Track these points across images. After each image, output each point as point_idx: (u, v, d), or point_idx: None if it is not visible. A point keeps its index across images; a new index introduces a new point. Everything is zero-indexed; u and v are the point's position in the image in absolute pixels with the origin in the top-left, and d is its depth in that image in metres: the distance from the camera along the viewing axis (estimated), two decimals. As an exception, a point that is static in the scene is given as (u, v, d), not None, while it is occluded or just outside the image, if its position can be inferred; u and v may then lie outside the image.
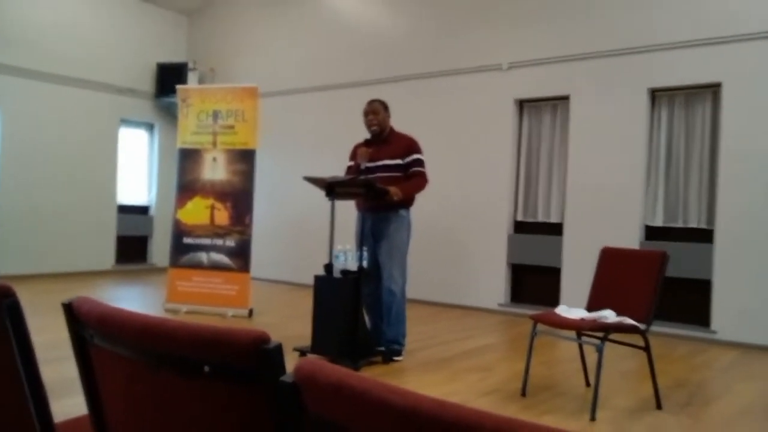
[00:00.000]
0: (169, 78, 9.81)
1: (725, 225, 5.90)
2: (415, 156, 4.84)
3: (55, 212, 9.07)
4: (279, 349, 0.82)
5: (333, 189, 4.62)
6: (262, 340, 0.82)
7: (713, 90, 6.13)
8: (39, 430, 1.24)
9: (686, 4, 6.14)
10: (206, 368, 0.87)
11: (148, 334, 0.95)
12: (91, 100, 9.51)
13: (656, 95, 6.46)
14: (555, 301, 6.37)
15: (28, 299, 1.56)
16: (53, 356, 2.54)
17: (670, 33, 6.19)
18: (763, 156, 5.71)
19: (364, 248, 4.80)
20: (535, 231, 7.20)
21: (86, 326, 1.12)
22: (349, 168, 5.01)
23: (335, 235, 4.77)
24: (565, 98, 6.95)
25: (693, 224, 6.24)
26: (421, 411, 0.61)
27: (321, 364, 0.73)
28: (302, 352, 4.61)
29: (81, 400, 1.25)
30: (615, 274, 4.02)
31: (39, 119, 8.93)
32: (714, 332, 5.88)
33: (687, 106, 6.32)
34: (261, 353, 0.82)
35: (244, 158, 6.65)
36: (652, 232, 6.43)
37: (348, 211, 5.11)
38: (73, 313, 1.15)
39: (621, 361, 4.89)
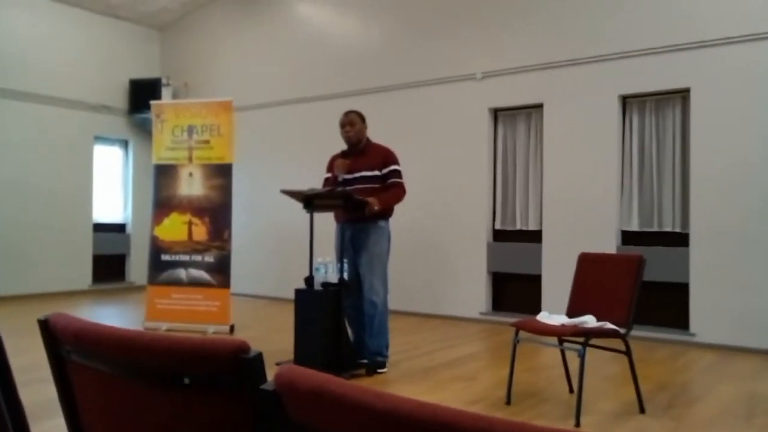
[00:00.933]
0: (143, 94, 9.75)
1: (699, 228, 5.98)
2: (393, 167, 4.85)
3: (29, 232, 8.94)
4: (259, 357, 0.82)
5: (311, 201, 4.61)
6: (241, 349, 0.81)
7: (682, 95, 6.24)
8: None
9: (654, 11, 6.25)
10: (186, 380, 0.87)
11: (126, 348, 0.94)
12: (64, 117, 9.41)
13: (627, 102, 6.55)
14: (536, 309, 6.38)
15: (3, 321, 1.54)
16: (32, 378, 2.49)
17: (639, 40, 6.30)
18: (733, 158, 5.81)
19: (345, 260, 4.79)
20: (514, 239, 7.24)
21: (63, 342, 1.10)
22: (327, 180, 5.01)
23: (315, 248, 4.75)
24: (538, 106, 7.02)
25: (668, 228, 6.31)
26: (400, 412, 0.61)
27: (301, 371, 0.73)
28: (284, 367, 4.57)
29: (62, 422, 1.23)
30: (593, 280, 4.05)
31: (10, 138, 8.82)
32: (693, 335, 5.94)
33: (657, 111, 6.42)
34: (241, 362, 0.81)
35: (221, 173, 6.62)
36: (628, 237, 6.50)
37: (327, 223, 5.10)
38: (49, 330, 1.13)
39: (603, 366, 4.92)
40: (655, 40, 6.22)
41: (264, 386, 0.77)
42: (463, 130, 7.48)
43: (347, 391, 0.66)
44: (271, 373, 0.78)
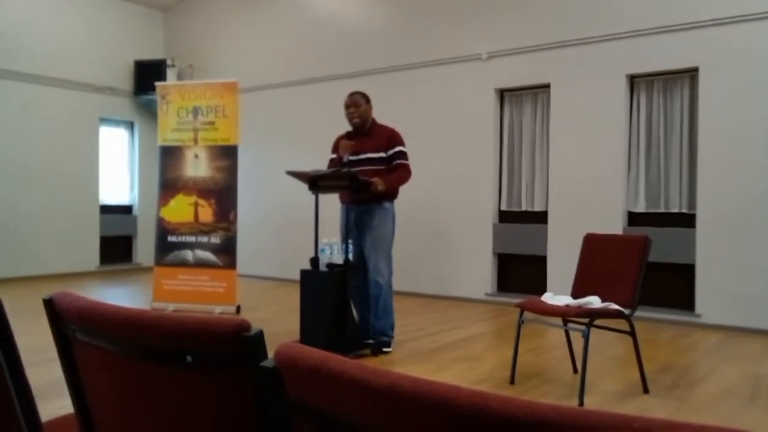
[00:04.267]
0: (148, 75, 9.73)
1: (706, 209, 5.96)
2: (398, 148, 4.83)
3: (37, 214, 8.98)
4: (260, 335, 0.82)
5: (316, 182, 4.61)
6: (242, 327, 0.82)
7: (690, 75, 6.18)
8: (26, 431, 1.23)
9: (663, -10, 6.18)
10: (188, 358, 0.87)
11: (130, 327, 0.95)
12: (70, 99, 9.41)
13: (635, 81, 6.50)
14: (542, 290, 6.35)
15: (11, 302, 1.55)
16: (40, 359, 2.51)
17: (648, 19, 6.23)
18: (741, 139, 5.77)
19: (350, 241, 4.80)
20: (520, 220, 7.23)
21: (67, 321, 1.11)
22: (332, 160, 5.00)
23: (320, 229, 4.76)
24: (545, 87, 6.97)
25: (675, 209, 6.29)
26: (398, 389, 0.61)
27: (300, 348, 0.73)
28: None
29: (69, 402, 1.25)
30: (599, 260, 4.05)
31: (16, 120, 8.83)
32: (698, 316, 5.95)
33: (665, 91, 6.37)
34: (242, 340, 0.82)
35: (226, 154, 6.62)
36: (634, 218, 6.48)
37: (332, 204, 5.11)
38: (54, 309, 1.14)
39: (607, 347, 4.93)
40: (664, 18, 6.15)
41: (264, 363, 0.78)
42: (468, 110, 7.44)
43: (346, 368, 0.66)
44: (275, 354, 0.78)
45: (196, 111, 6.69)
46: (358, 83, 6.87)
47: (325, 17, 8.80)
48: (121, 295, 7.88)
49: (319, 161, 5.30)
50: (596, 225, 5.62)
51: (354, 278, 4.79)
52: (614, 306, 3.65)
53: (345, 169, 4.64)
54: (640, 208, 6.45)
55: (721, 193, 5.86)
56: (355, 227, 4.85)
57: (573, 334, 4.09)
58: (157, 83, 7.23)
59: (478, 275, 7.33)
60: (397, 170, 4.80)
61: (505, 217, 7.35)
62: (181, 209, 6.63)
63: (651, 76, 6.39)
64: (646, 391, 3.77)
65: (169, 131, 6.78)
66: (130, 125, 10.46)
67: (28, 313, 3.18)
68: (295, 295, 4.91)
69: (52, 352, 1.21)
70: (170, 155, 6.74)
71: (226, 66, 9.76)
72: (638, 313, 3.94)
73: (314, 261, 4.72)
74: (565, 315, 3.79)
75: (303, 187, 4.76)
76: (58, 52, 9.30)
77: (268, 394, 0.78)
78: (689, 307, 6.05)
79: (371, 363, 4.36)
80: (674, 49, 6.11)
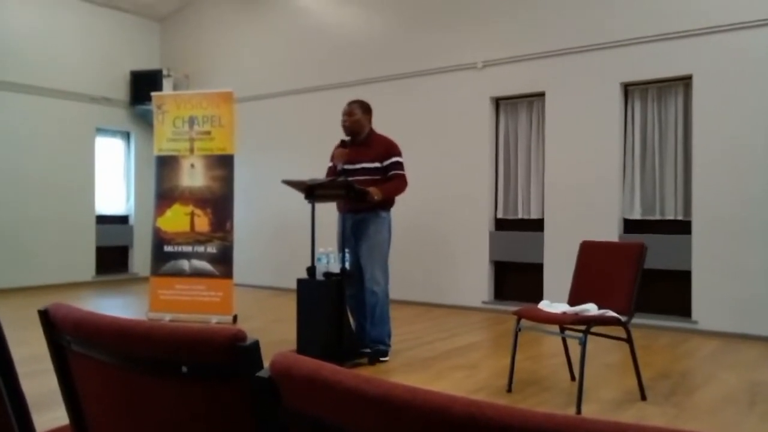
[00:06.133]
0: (144, 85, 9.74)
1: (702, 216, 5.97)
2: (395, 159, 4.84)
3: (33, 225, 8.96)
4: (255, 345, 0.82)
5: (313, 191, 4.61)
6: (238, 337, 0.82)
7: (684, 82, 6.21)
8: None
9: (657, -2, 6.22)
10: (184, 368, 0.87)
11: (125, 337, 0.95)
12: (66, 109, 9.41)
13: (629, 89, 6.53)
14: (539, 297, 6.35)
15: (7, 313, 1.54)
16: (36, 369, 2.50)
17: (641, 27, 6.26)
18: (736, 145, 5.79)
19: (346, 250, 4.80)
20: (516, 228, 7.24)
21: (63, 332, 1.11)
22: (330, 169, 5.00)
23: (316, 238, 4.76)
24: (540, 95, 7.00)
25: (670, 216, 6.31)
26: (392, 398, 0.61)
27: (295, 358, 0.73)
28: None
29: (64, 413, 1.24)
30: (595, 268, 4.05)
31: (12, 130, 8.82)
32: (695, 322, 5.95)
33: (659, 99, 6.40)
34: (237, 350, 0.82)
35: (223, 164, 6.62)
36: (630, 226, 6.49)
37: (329, 213, 5.11)
38: (49, 320, 1.14)
39: (605, 354, 4.93)
40: (657, 27, 6.18)
41: (260, 374, 0.77)
42: (464, 119, 7.46)
43: (341, 377, 0.66)
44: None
45: (192, 121, 6.70)
46: (353, 92, 6.88)
47: (321, 27, 8.83)
48: (117, 306, 7.85)
49: (316, 170, 5.30)
50: (592, 232, 5.63)
51: (351, 287, 4.78)
52: (611, 313, 3.65)
53: (341, 178, 4.64)
54: (636, 215, 6.46)
55: (717, 199, 5.88)
56: (352, 236, 4.85)
57: (570, 342, 4.09)
58: (153, 93, 7.24)
59: (475, 283, 7.32)
60: (393, 180, 4.80)
61: (501, 224, 7.36)
62: (177, 219, 6.62)
63: (645, 84, 6.42)
64: (643, 398, 3.77)
65: (165, 141, 6.79)
66: (126, 135, 10.46)
67: (22, 323, 3.17)
68: (291, 305, 4.90)
69: (48, 363, 1.21)
70: (166, 165, 6.74)
71: (222, 76, 9.78)
72: (635, 320, 3.94)
73: (311, 270, 4.72)
74: (562, 322, 3.79)
75: (299, 197, 4.76)
76: (53, 62, 9.30)
77: (264, 404, 0.77)
78: (686, 314, 6.06)
79: (368, 372, 4.35)
80: (668, 57, 6.15)
